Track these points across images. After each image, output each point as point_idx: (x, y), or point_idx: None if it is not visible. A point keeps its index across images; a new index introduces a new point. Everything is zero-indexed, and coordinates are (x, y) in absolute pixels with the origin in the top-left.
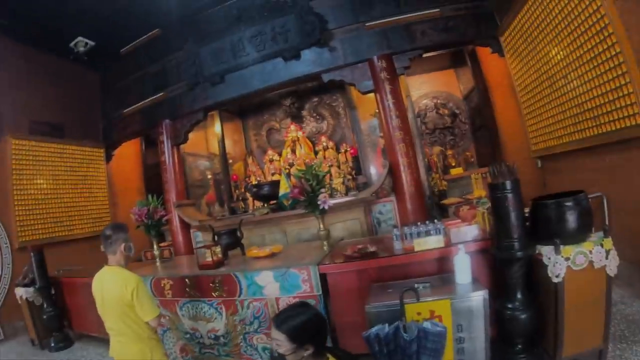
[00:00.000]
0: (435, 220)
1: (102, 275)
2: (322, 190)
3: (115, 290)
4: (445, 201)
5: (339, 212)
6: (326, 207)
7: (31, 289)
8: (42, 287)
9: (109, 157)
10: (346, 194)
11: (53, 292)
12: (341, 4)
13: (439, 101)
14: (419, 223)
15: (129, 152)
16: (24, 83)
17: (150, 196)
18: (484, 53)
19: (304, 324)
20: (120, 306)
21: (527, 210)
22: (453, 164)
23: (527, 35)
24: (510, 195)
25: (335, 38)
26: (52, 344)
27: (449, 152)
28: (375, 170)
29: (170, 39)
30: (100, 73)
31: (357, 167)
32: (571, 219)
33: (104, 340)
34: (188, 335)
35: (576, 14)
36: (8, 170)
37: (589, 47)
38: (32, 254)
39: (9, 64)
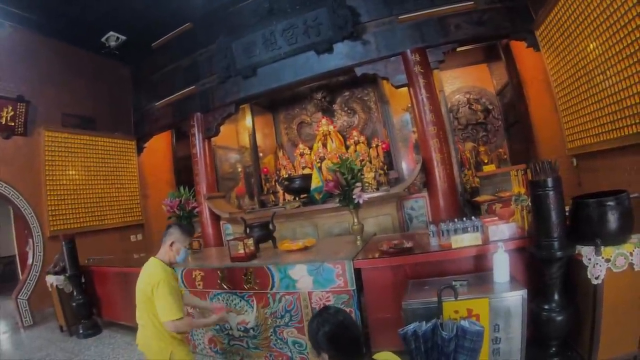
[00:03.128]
0: (473, 217)
1: (145, 263)
2: (357, 184)
3: (143, 280)
4: (478, 198)
5: (371, 207)
6: (361, 202)
7: (62, 277)
8: (72, 275)
9: (140, 150)
10: (377, 189)
11: (83, 280)
12: None
13: (471, 96)
14: (455, 219)
15: (159, 144)
16: (56, 77)
17: (182, 188)
18: (519, 47)
19: (320, 333)
20: (143, 297)
21: (567, 208)
22: (485, 161)
23: (564, 29)
24: (551, 193)
25: (368, 31)
26: (81, 331)
27: (482, 148)
28: (406, 165)
29: (201, 33)
30: (131, 67)
31: (389, 162)
32: (612, 219)
33: (132, 329)
34: (217, 327)
35: (615, 7)
36: (41, 161)
37: (629, 41)
38: (63, 242)
39: (41, 58)
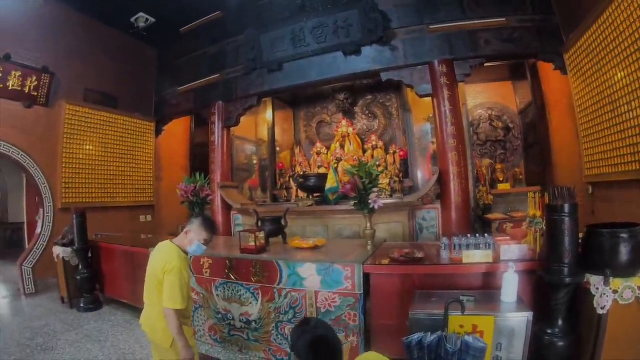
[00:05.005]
0: (486, 235)
1: (160, 245)
2: (374, 189)
3: (157, 262)
4: (490, 216)
5: (383, 213)
6: (377, 207)
7: (69, 250)
8: (80, 249)
9: (158, 132)
10: (391, 196)
11: (90, 255)
12: (406, 4)
13: (493, 113)
14: (468, 235)
15: (178, 129)
16: (82, 52)
17: (197, 174)
18: (546, 68)
19: (300, 343)
20: (155, 278)
21: (580, 236)
22: (501, 179)
23: (594, 56)
24: (567, 219)
25: (397, 38)
26: (82, 305)
27: (498, 166)
28: (422, 175)
29: (231, 22)
30: (158, 50)
31: (405, 170)
32: (624, 252)
33: (133, 308)
34: (220, 316)
35: None
36: (60, 133)
37: None
38: (74, 215)
39: (69, 32)
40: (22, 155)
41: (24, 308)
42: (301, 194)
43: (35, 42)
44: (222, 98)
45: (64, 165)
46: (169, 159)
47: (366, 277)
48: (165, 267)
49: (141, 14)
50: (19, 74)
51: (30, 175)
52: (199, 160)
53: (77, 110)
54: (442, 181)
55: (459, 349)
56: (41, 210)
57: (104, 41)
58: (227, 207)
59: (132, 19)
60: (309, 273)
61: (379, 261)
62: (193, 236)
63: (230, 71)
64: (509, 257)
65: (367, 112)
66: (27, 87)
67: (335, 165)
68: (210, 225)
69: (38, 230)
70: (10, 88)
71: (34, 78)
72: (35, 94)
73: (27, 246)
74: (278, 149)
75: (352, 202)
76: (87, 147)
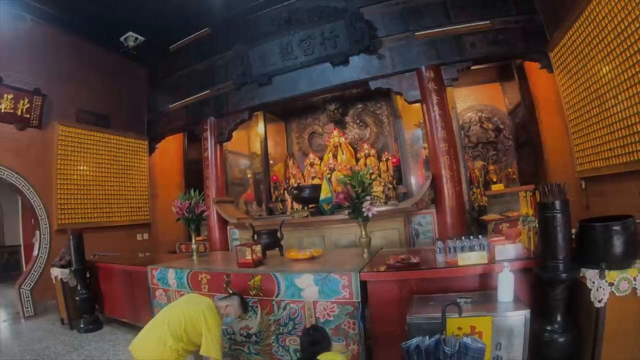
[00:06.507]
0: (480, 236)
1: (203, 297)
2: (368, 197)
3: (198, 309)
4: (486, 217)
5: (379, 220)
6: (370, 215)
7: (67, 271)
8: (77, 270)
9: (152, 150)
10: (386, 203)
11: (88, 275)
12: (391, 12)
13: (483, 115)
14: (463, 237)
15: (171, 146)
16: (74, 73)
17: (192, 191)
18: (532, 68)
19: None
20: (183, 317)
21: (573, 231)
22: (494, 180)
23: (578, 52)
24: (559, 216)
25: (384, 46)
26: (82, 325)
27: (491, 167)
28: (415, 180)
29: (219, 39)
30: (148, 68)
31: (398, 176)
32: (618, 244)
33: (133, 327)
34: None
35: (629, 32)
36: (53, 155)
37: None
38: (71, 237)
39: (60, 54)
40: (16, 177)
41: (23, 331)
42: (296, 205)
43: (26, 65)
44: (214, 114)
45: (59, 187)
46: (164, 176)
47: (363, 284)
48: (210, 318)
49: (130, 33)
50: (10, 96)
51: (25, 197)
52: (193, 176)
53: (70, 131)
54: (435, 185)
55: (457, 351)
56: (37, 232)
57: (95, 61)
58: (223, 222)
59: (122, 38)
60: (307, 284)
61: (376, 268)
62: (232, 311)
63: (220, 87)
64: (503, 257)
65: (358, 121)
66: (20, 110)
67: (329, 175)
68: (246, 306)
69: (35, 252)
70: (2, 111)
71: (26, 100)
72: (28, 116)
73: (24, 269)
74: (271, 161)
75: (347, 211)
76: (82, 168)
